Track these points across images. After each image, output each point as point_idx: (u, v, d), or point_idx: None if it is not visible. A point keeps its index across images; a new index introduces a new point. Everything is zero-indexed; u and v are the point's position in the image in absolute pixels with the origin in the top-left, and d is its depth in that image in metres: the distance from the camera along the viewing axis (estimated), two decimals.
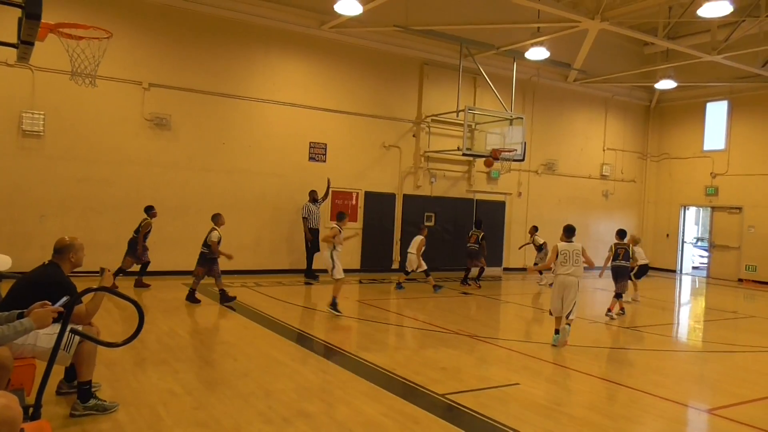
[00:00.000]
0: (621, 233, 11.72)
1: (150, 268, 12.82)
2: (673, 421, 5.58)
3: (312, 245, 13.95)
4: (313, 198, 14.11)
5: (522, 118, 15.71)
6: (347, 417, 5.02)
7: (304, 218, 14.05)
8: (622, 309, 11.27)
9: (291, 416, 4.96)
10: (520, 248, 17.22)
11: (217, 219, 10.60)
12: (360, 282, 14.42)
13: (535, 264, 15.76)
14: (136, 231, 11.74)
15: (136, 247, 11.55)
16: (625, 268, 11.31)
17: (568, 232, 8.44)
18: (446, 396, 5.76)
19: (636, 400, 6.02)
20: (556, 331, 8.09)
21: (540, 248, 15.84)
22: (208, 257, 10.38)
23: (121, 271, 11.31)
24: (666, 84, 17.53)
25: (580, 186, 20.08)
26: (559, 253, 8.16)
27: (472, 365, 7.41)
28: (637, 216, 21.76)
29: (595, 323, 10.73)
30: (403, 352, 7.72)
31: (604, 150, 20.59)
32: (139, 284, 11.65)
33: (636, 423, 5.46)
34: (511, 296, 14.17)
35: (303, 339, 8.25)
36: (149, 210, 11.82)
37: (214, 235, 10.34)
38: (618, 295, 11.12)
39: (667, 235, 21.24)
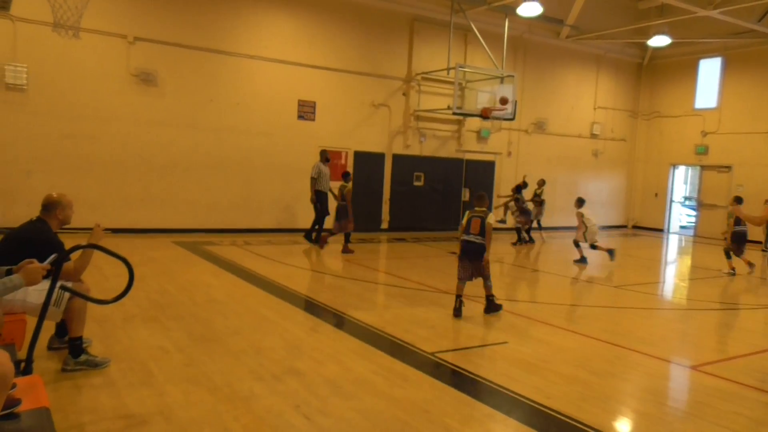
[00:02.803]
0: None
1: (138, 226, 12.82)
2: (658, 377, 5.70)
3: (322, 207, 13.02)
4: (325, 158, 13.16)
5: (513, 76, 15.54)
6: (337, 374, 5.08)
7: (313, 178, 12.85)
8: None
9: (281, 373, 5.01)
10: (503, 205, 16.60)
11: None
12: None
13: (536, 217, 15.93)
14: (343, 198, 12.17)
15: (346, 213, 12.18)
16: None
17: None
18: (435, 354, 5.83)
19: (622, 358, 6.13)
20: None
21: (541, 203, 15.94)
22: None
23: (330, 234, 12.55)
24: (660, 41, 17.31)
25: (570, 145, 20.05)
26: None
27: (460, 324, 7.48)
28: (626, 175, 21.84)
29: (581, 282, 10.87)
30: (392, 311, 7.79)
31: (594, 108, 20.50)
32: (346, 251, 12.23)
33: (622, 379, 5.57)
34: (498, 255, 14.28)
35: (293, 297, 8.28)
36: (347, 176, 12.44)
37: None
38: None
39: (656, 195, 21.36)
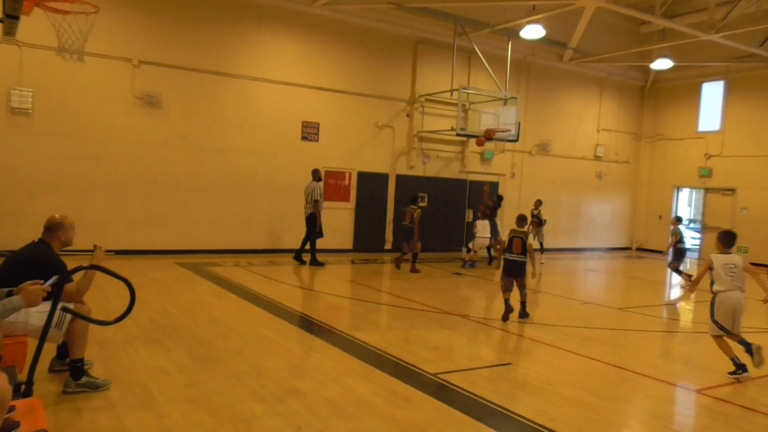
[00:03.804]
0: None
1: (141, 247, 12.84)
2: (662, 401, 5.64)
3: (320, 230, 13.04)
4: (318, 177, 13.16)
5: (516, 98, 15.65)
6: (338, 395, 5.04)
7: (317, 201, 12.88)
8: None
9: (283, 394, 4.97)
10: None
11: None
12: (352, 262, 14.43)
13: (536, 239, 15.52)
14: (411, 220, 12.78)
15: (413, 234, 12.82)
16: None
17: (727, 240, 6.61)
18: (437, 375, 5.79)
19: (626, 380, 6.07)
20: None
21: (540, 223, 15.79)
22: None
23: (403, 255, 13.21)
24: (662, 64, 17.43)
25: (574, 167, 20.08)
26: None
27: (463, 345, 7.44)
28: (630, 197, 21.83)
29: (586, 304, 10.81)
30: (394, 332, 7.75)
31: (598, 131, 20.56)
32: (414, 270, 12.77)
33: (625, 402, 5.51)
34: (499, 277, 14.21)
35: (294, 318, 8.26)
36: (416, 200, 13.38)
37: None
38: None
39: (660, 217, 21.32)
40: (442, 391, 5.40)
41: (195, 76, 13.49)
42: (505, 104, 15.64)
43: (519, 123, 15.81)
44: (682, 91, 20.71)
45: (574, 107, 19.97)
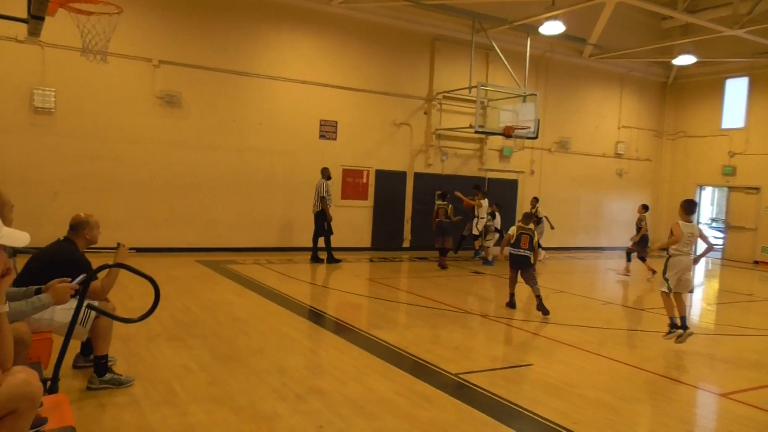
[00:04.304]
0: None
1: (161, 245, 12.96)
2: (686, 404, 5.56)
3: (328, 227, 13.09)
4: (328, 175, 13.17)
5: (535, 95, 15.52)
6: (359, 394, 5.04)
7: (324, 198, 12.91)
8: None
9: (304, 393, 4.98)
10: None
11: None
12: (371, 260, 14.43)
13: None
14: (446, 216, 13.21)
15: (447, 229, 13.28)
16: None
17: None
18: (459, 375, 5.76)
19: (650, 383, 5.99)
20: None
21: (539, 221, 15.63)
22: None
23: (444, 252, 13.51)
24: (684, 60, 17.13)
25: (594, 164, 19.87)
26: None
27: (484, 345, 7.41)
28: (651, 195, 21.52)
29: (607, 304, 10.69)
30: (414, 331, 7.72)
31: (618, 128, 20.33)
32: (443, 266, 13.23)
33: (649, 405, 5.44)
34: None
35: (315, 316, 8.28)
36: (445, 197, 13.74)
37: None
38: None
39: None
40: (464, 392, 5.37)
41: (214, 75, 13.56)
42: (524, 101, 15.52)
43: (538, 120, 15.67)
44: (705, 87, 20.38)
45: (594, 104, 19.76)
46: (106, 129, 12.51)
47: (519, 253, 8.98)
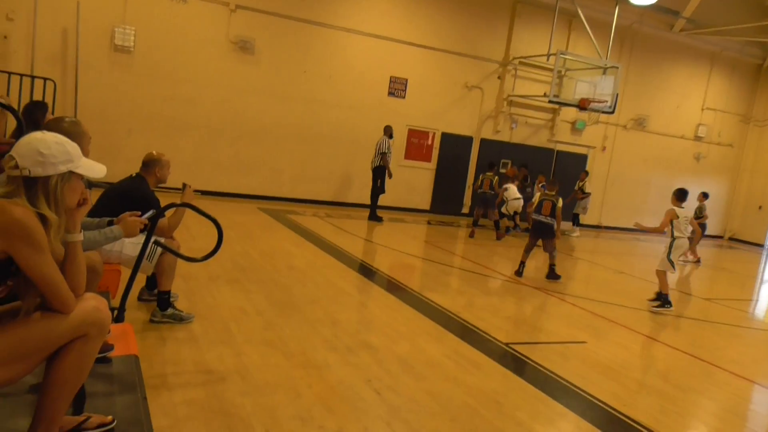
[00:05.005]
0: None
1: (226, 190, 13.27)
2: (742, 399, 5.34)
3: (381, 184, 13.08)
4: (390, 133, 13.16)
5: (617, 68, 14.80)
6: (409, 353, 5.06)
7: (383, 153, 12.80)
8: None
9: (355, 346, 5.05)
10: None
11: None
12: (429, 223, 14.38)
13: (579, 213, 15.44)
14: (490, 187, 12.98)
15: (490, 200, 13.05)
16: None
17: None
18: (509, 345, 5.70)
19: (707, 374, 5.77)
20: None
21: (584, 196, 15.24)
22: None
23: (496, 224, 13.31)
24: None
25: (671, 146, 18.97)
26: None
27: (536, 317, 7.30)
28: (728, 183, 20.47)
29: (670, 290, 10.31)
30: (467, 296, 7.68)
31: (702, 109, 19.26)
32: (500, 237, 13.08)
33: (706, 397, 5.25)
34: (582, 253, 13.77)
35: (369, 273, 8.34)
36: (492, 166, 13.58)
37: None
38: None
39: (760, 207, 19.92)
40: (513, 361, 5.33)
41: (288, 23, 13.54)
42: (604, 73, 14.85)
43: (617, 94, 14.99)
44: None
45: (678, 82, 18.73)
46: (181, 71, 12.76)
47: (540, 219, 8.95)
